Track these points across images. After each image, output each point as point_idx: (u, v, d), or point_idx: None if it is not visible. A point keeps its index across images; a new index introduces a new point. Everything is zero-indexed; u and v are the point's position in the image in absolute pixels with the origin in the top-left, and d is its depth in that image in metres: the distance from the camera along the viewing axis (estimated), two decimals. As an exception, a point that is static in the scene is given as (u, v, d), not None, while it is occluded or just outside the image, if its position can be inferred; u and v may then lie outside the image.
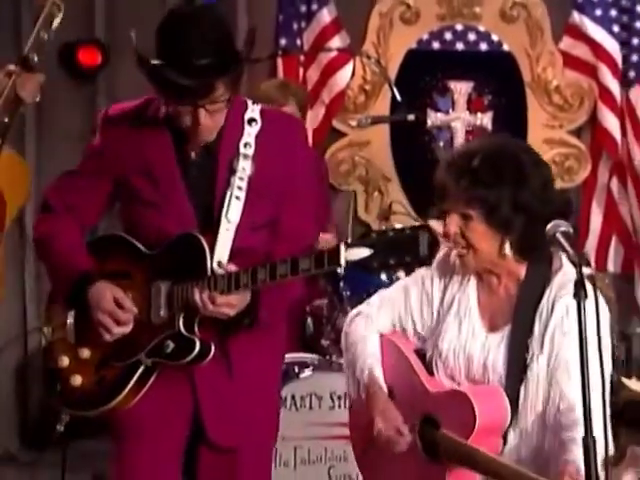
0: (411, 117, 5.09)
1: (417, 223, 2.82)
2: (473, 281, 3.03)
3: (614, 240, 6.23)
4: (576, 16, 6.16)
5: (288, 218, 3.08)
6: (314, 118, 5.80)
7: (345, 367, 3.17)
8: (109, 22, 6.20)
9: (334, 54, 6.11)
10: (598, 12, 6.10)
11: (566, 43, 6.21)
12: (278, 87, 5.06)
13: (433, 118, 6.04)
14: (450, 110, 6.21)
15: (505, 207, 2.87)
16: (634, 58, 6.11)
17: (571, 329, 2.84)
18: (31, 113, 6.33)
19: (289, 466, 4.45)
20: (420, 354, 3.10)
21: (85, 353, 3.07)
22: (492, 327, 2.99)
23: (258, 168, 3.01)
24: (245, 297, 2.95)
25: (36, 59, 3.31)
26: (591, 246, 6.16)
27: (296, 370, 4.57)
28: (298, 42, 6.13)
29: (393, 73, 6.12)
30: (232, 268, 2.93)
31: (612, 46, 6.09)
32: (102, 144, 3.11)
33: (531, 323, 2.92)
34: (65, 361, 3.10)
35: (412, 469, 2.99)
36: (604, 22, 6.09)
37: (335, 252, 2.77)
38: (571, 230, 2.75)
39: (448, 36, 6.26)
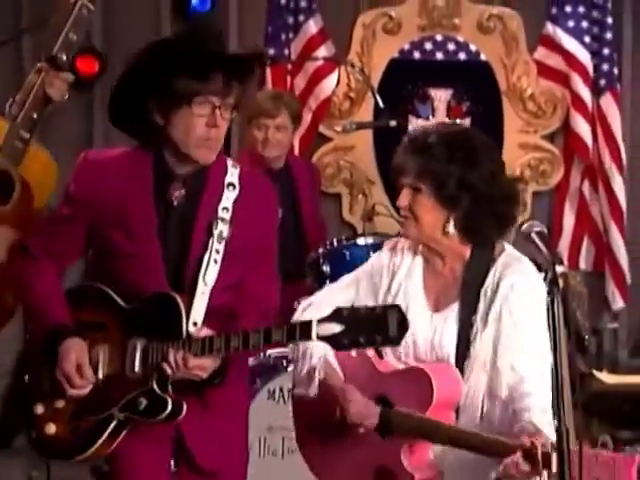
0: (393, 123, 5.11)
1: (387, 303, 2.80)
2: (419, 265, 3.06)
3: (586, 240, 6.25)
4: (550, 27, 6.18)
5: (254, 279, 3.05)
6: (301, 124, 5.80)
7: (296, 356, 3.14)
8: (106, 32, 6.20)
9: (320, 63, 6.12)
10: (571, 24, 6.12)
11: (540, 53, 6.23)
12: (271, 98, 5.06)
13: (414, 124, 6.04)
14: (430, 116, 6.22)
15: (453, 184, 2.92)
16: (605, 67, 6.13)
17: (516, 306, 2.90)
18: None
19: (277, 455, 4.46)
20: None
21: (60, 404, 3.01)
22: (438, 307, 3.02)
23: (234, 232, 2.98)
24: (217, 360, 2.92)
25: (64, 58, 3.30)
26: (564, 245, 6.18)
27: (284, 364, 4.58)
28: (286, 52, 6.14)
29: (376, 81, 6.13)
30: (207, 332, 2.90)
31: (584, 56, 6.11)
32: (79, 192, 3.01)
33: (476, 301, 2.96)
34: (40, 409, 3.04)
35: (364, 451, 2.99)
36: (576, 33, 6.11)
37: (307, 326, 2.74)
38: (545, 230, 2.79)
39: (428, 46, 6.27)
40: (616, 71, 6.14)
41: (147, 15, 6.20)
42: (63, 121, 6.06)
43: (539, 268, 2.91)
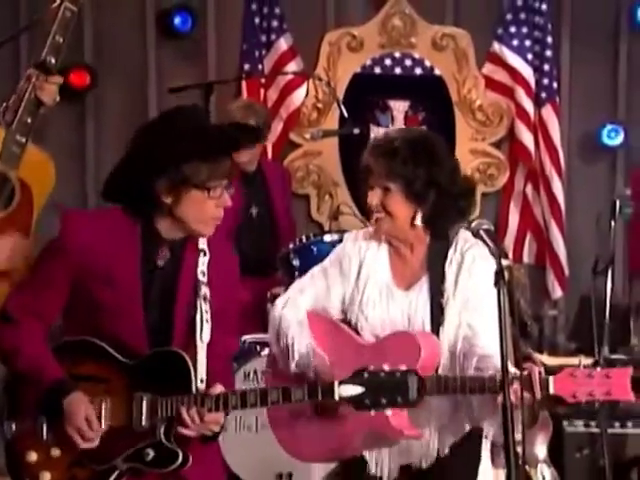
0: (356, 131, 5.12)
1: (404, 368, 2.74)
2: (385, 253, 3.08)
3: (529, 236, 6.28)
4: (496, 46, 6.20)
5: (223, 337, 2.94)
6: (273, 132, 5.79)
7: (280, 344, 3.09)
8: (97, 48, 6.16)
9: (290, 77, 6.11)
10: (515, 42, 6.14)
11: (488, 68, 6.25)
12: (241, 107, 5.06)
13: (375, 132, 6.04)
14: (390, 125, 6.22)
15: (420, 182, 2.96)
16: (545, 81, 6.14)
17: (477, 274, 2.98)
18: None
19: (251, 430, 4.46)
20: (345, 322, 3.12)
21: (57, 452, 2.83)
22: (408, 286, 3.04)
23: (212, 294, 2.90)
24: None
25: (53, 62, 3.12)
26: (509, 241, 6.20)
27: (258, 349, 4.58)
28: (259, 67, 6.12)
29: (341, 93, 6.12)
30: (220, 388, 2.81)
31: (527, 71, 6.13)
32: (63, 248, 2.83)
33: (442, 273, 3.00)
34: (33, 456, 2.83)
35: (349, 422, 2.97)
36: (520, 51, 6.14)
37: (329, 387, 2.71)
38: (492, 228, 2.81)
39: (388, 62, 6.27)
40: (555, 85, 6.17)
41: (134, 32, 6.16)
42: (55, 132, 6.01)
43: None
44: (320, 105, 6.24)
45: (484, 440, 3.11)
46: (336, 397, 2.68)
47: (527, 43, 6.14)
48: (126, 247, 2.85)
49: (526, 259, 6.27)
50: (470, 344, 2.94)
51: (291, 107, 6.15)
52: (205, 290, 2.88)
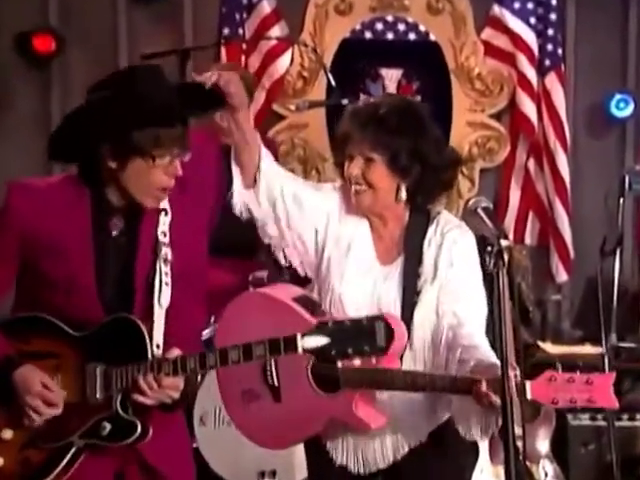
0: (345, 102, 5.08)
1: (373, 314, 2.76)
2: (366, 226, 3.08)
3: (531, 215, 6.29)
4: (496, 9, 6.19)
5: (184, 301, 2.95)
6: (255, 102, 5.76)
7: None
8: (62, 12, 6.13)
9: (274, 43, 6.08)
10: (517, 5, 6.13)
11: (487, 34, 6.24)
12: (224, 70, 5.03)
13: (365, 102, 6.04)
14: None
15: (405, 153, 2.97)
16: (549, 47, 6.14)
17: (459, 257, 3.00)
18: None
19: (231, 425, 4.44)
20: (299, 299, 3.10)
21: (8, 434, 2.85)
22: (386, 261, 3.06)
23: (173, 255, 2.91)
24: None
25: None
26: (510, 221, 6.21)
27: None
28: (240, 31, 6.10)
29: (328, 60, 6.11)
30: (177, 352, 2.82)
31: (529, 37, 6.12)
32: (15, 219, 2.85)
33: (420, 254, 3.01)
34: None
35: (308, 407, 2.99)
36: (522, 14, 6.13)
37: (292, 340, 2.70)
38: (491, 206, 2.82)
39: (379, 26, 6.25)
40: (560, 51, 6.16)
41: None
42: (19, 101, 5.99)
43: (485, 242, 2.94)
44: (306, 73, 6.22)
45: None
46: (299, 350, 2.68)
47: (529, 6, 6.12)
48: (75, 217, 2.86)
49: (528, 240, 6.28)
50: (454, 334, 2.95)
51: (274, 75, 6.12)
52: (166, 251, 2.89)
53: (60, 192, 2.88)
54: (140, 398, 2.80)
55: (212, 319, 4.70)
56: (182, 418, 3.09)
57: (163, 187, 2.85)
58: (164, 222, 2.92)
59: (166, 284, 2.89)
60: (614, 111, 6.16)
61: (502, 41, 6.18)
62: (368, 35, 6.27)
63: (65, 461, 2.83)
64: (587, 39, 6.24)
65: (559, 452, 4.73)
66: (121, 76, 2.87)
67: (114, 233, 2.90)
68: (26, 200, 2.86)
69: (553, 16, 6.13)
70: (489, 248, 2.74)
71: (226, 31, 6.06)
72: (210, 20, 6.10)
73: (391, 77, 6.28)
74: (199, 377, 3.88)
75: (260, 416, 3.06)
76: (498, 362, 2.67)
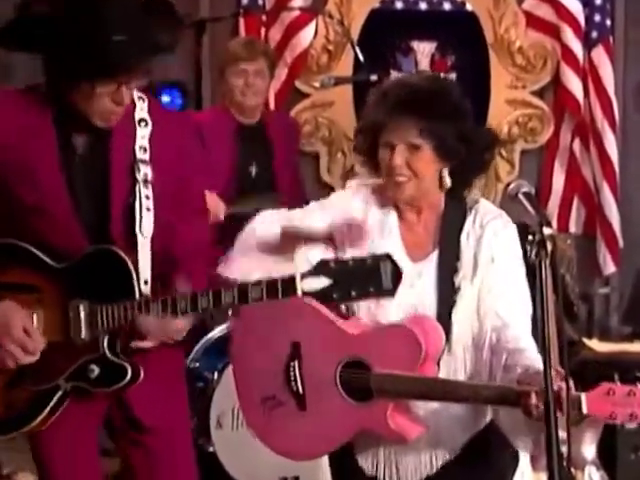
0: (374, 77, 5.09)
1: (378, 253, 2.70)
2: (395, 220, 3.07)
3: (576, 201, 6.27)
4: (540, -25, 6.17)
5: (187, 227, 2.94)
6: (276, 79, 5.77)
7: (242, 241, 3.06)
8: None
9: (296, 14, 6.08)
10: (561, -29, 6.12)
11: (529, 3, 6.22)
12: (245, 45, 5.06)
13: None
14: (413, 71, 6.18)
15: (452, 137, 2.96)
16: (597, 18, 6.12)
17: (500, 251, 2.98)
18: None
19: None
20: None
21: None
22: (417, 258, 3.03)
23: (156, 173, 2.84)
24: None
25: None
26: (553, 207, 6.20)
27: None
28: (260, 2, 6.10)
29: (356, 33, 6.11)
30: (187, 288, 2.80)
31: (575, 6, 6.10)
32: None
33: (457, 248, 3.00)
34: None
35: (336, 417, 2.98)
36: (567, -18, 6.11)
37: (290, 282, 2.65)
38: (533, 191, 2.81)
39: (411, -4, 6.26)
40: (609, 22, 6.14)
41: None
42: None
43: (526, 230, 2.93)
44: (331, 47, 6.22)
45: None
46: (298, 292, 2.64)
47: (576, -27, 6.11)
48: (39, 133, 2.79)
49: (573, 228, 6.27)
50: (498, 337, 2.93)
51: (297, 49, 6.12)
52: (145, 170, 2.83)
53: (23, 103, 2.81)
54: (139, 343, 2.80)
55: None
56: (179, 364, 3.09)
57: (111, 112, 2.76)
58: (143, 135, 2.85)
59: (147, 209, 2.83)
60: (667, 88, 6.14)
61: (545, 11, 6.16)
62: (399, 5, 6.26)
63: (51, 404, 2.83)
64: (638, 9, 6.21)
65: (607, 458, 4.71)
66: None
67: (79, 151, 2.83)
68: None
69: (601, -16, 6.11)
70: (531, 237, 2.73)
71: (245, 1, 6.07)
72: (227, -11, 6.12)
73: (424, 51, 6.27)
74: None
75: (283, 425, 3.04)
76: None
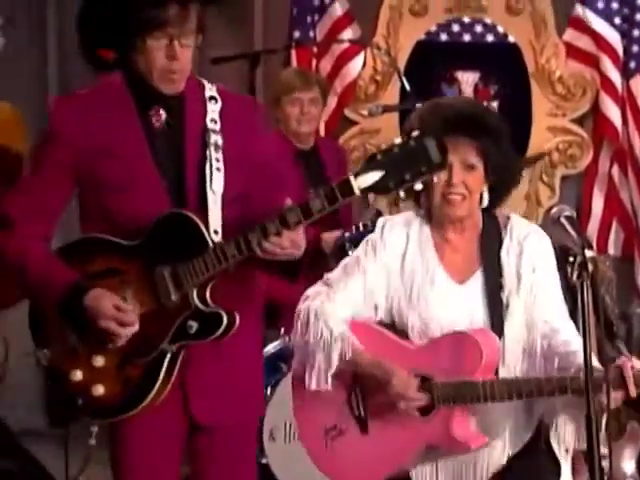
0: (419, 106, 5.08)
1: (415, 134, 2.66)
2: (431, 243, 3.07)
3: (614, 224, 6.23)
4: (579, 9, 6.13)
5: (260, 189, 2.96)
6: (327, 107, 5.78)
7: (306, 346, 3.06)
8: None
9: (346, 45, 6.10)
10: (600, 5, 6.07)
11: (569, 35, 6.19)
12: (299, 75, 5.09)
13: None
14: (458, 100, 6.19)
15: (499, 156, 3.00)
16: (635, 49, 6.08)
17: (541, 263, 3.01)
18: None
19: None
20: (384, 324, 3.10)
21: (99, 361, 2.88)
22: (462, 279, 3.03)
23: (227, 141, 2.90)
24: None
25: None
26: (592, 230, 6.16)
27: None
28: (311, 34, 6.13)
29: (402, 64, 6.11)
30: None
31: (613, 37, 6.07)
32: (56, 134, 2.89)
33: (499, 264, 3.00)
34: (78, 375, 2.89)
35: (399, 435, 2.97)
36: (606, 14, 6.06)
37: (346, 183, 2.65)
38: (574, 214, 2.81)
39: (455, 28, 6.24)
40: (646, 53, 6.10)
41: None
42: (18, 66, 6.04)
43: (568, 252, 2.92)
44: (379, 77, 6.22)
45: (564, 454, 3.09)
46: (356, 191, 2.63)
47: (614, 6, 6.06)
48: (121, 115, 2.88)
49: (612, 250, 6.21)
50: (549, 343, 2.94)
51: (346, 79, 6.14)
52: (216, 138, 2.89)
53: (101, 94, 2.90)
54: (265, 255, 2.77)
55: (282, 330, 4.73)
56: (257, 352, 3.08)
57: (168, 70, 2.83)
58: (213, 110, 2.92)
59: (217, 169, 2.88)
60: (703, 115, 6.08)
61: (585, 42, 6.13)
62: (444, 37, 6.26)
63: (164, 369, 2.85)
64: (675, 40, 6.16)
65: (646, 473, 4.67)
66: None
67: (157, 125, 2.90)
68: (68, 110, 2.89)
69: (639, 16, 6.06)
70: (572, 259, 2.72)
71: (297, 34, 6.10)
72: (280, 23, 6.14)
73: (467, 80, 6.26)
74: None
75: (346, 453, 3.03)
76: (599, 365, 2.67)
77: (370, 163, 2.64)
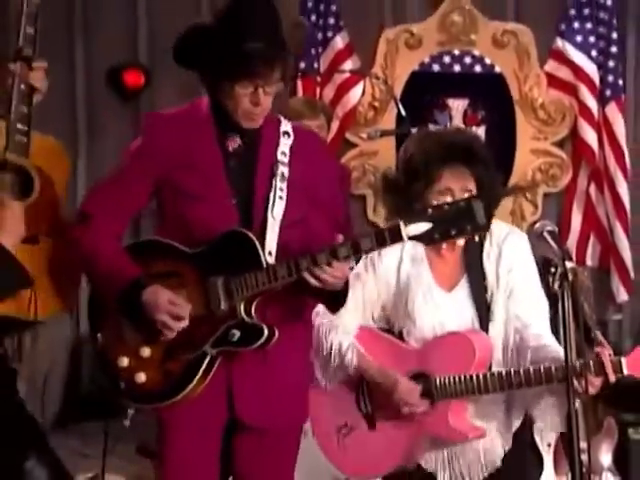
0: (414, 130, 5.10)
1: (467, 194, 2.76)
2: (423, 258, 3.08)
3: (592, 238, 6.23)
4: (559, 42, 6.16)
5: (316, 224, 2.97)
6: (329, 131, 5.79)
7: (320, 355, 3.09)
8: (150, 48, 6.23)
9: (347, 75, 6.13)
10: (579, 38, 6.11)
11: (550, 66, 6.21)
12: (307, 102, 5.09)
13: (430, 132, 6.03)
14: (448, 124, 6.20)
15: (489, 180, 3.00)
16: (610, 79, 6.10)
17: (516, 262, 3.00)
18: (83, 130, 6.37)
19: (307, 435, 4.43)
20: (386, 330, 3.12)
21: (146, 352, 2.92)
22: (450, 287, 3.05)
23: (293, 173, 2.94)
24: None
25: (31, 52, 3.26)
26: (572, 243, 6.16)
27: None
28: (315, 65, 6.15)
29: (398, 92, 6.13)
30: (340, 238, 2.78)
31: (590, 68, 6.09)
32: (146, 142, 2.97)
33: (481, 270, 3.02)
34: (125, 361, 2.94)
35: (402, 428, 2.98)
36: (584, 47, 6.10)
37: (396, 229, 2.66)
38: (555, 229, 2.81)
39: (447, 59, 6.27)
40: (620, 82, 6.12)
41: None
42: (111, 133, 6.08)
43: (550, 264, 2.92)
44: (377, 104, 6.25)
45: (546, 448, 3.09)
46: (405, 237, 2.64)
47: (591, 39, 6.09)
48: (203, 136, 2.93)
49: (589, 261, 6.22)
50: (521, 337, 2.95)
51: (347, 106, 6.17)
52: (283, 169, 2.93)
53: (189, 115, 2.96)
54: (312, 280, 2.77)
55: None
56: (304, 358, 3.05)
57: (251, 112, 2.87)
58: (285, 143, 2.96)
59: (280, 198, 2.91)
60: (673, 139, 6.10)
61: (564, 73, 6.16)
62: (436, 68, 6.28)
63: (202, 369, 2.87)
64: (647, 70, 6.19)
65: (621, 465, 4.65)
66: (234, 4, 2.86)
67: (231, 149, 2.93)
68: (160, 126, 2.96)
69: (614, 49, 6.09)
70: (553, 269, 2.72)
71: (302, 65, 6.10)
72: (287, 55, 6.15)
73: (457, 107, 6.27)
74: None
75: (357, 448, 3.05)
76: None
77: (421, 215, 2.65)
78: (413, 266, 3.07)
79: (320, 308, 3.11)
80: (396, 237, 2.67)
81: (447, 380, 2.92)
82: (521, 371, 2.86)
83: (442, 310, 3.02)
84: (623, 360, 2.74)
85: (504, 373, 2.88)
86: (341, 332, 3.06)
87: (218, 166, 2.92)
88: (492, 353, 2.95)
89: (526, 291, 2.99)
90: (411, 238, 2.64)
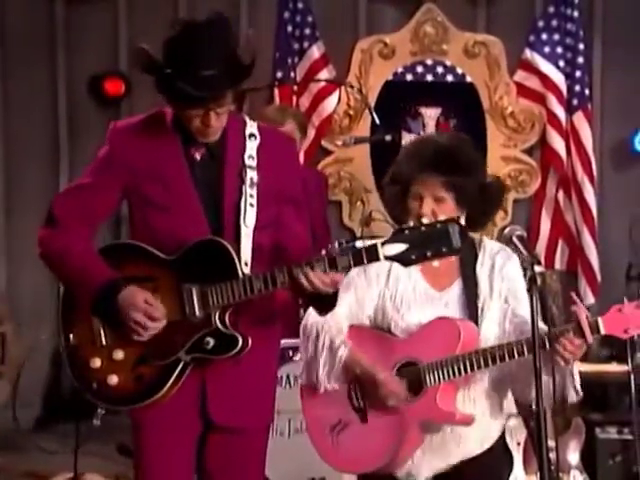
0: (388, 138, 5.10)
1: (444, 217, 2.72)
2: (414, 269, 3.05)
3: (560, 243, 6.25)
4: (528, 53, 6.18)
5: (288, 221, 2.96)
6: (306, 139, 5.79)
7: (312, 354, 3.04)
8: (131, 56, 6.19)
9: (322, 84, 6.11)
10: (547, 49, 6.12)
11: (519, 75, 6.23)
12: (278, 110, 5.08)
13: (407, 138, 6.04)
14: (421, 132, 6.21)
15: (473, 190, 2.96)
16: (577, 88, 6.12)
17: (508, 274, 2.99)
18: (65, 137, 6.34)
19: (284, 435, 4.45)
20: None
21: (119, 354, 2.88)
22: (441, 287, 3.03)
23: (262, 177, 2.89)
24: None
25: None
26: (541, 248, 6.18)
27: (290, 354, 4.57)
28: (292, 75, 6.14)
29: (373, 100, 6.13)
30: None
31: (558, 78, 6.11)
32: (112, 153, 2.89)
33: (474, 277, 2.99)
34: (97, 362, 2.90)
35: (394, 418, 2.95)
36: (552, 58, 6.12)
37: (373, 249, 2.65)
38: (525, 234, 2.81)
39: (419, 69, 6.27)
40: (587, 92, 6.13)
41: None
42: (92, 140, 6.03)
43: (520, 268, 2.92)
44: (352, 112, 6.25)
45: (516, 447, 3.08)
46: (381, 257, 2.63)
47: (559, 50, 6.11)
48: (167, 145, 2.88)
49: (557, 265, 6.24)
50: (510, 321, 2.94)
51: (323, 114, 6.15)
52: (251, 174, 2.88)
53: (153, 123, 2.91)
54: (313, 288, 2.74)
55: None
56: (272, 360, 3.04)
57: (204, 131, 2.82)
58: (252, 147, 2.91)
59: (251, 205, 2.87)
60: (638, 147, 6.12)
61: (533, 82, 6.17)
62: (409, 77, 6.29)
63: (174, 375, 2.84)
64: (612, 80, 6.22)
65: (588, 463, 4.67)
66: (192, 23, 2.78)
67: (197, 158, 2.89)
68: (124, 133, 2.90)
69: (580, 59, 6.11)
70: (523, 273, 2.72)
71: (279, 74, 6.10)
72: (264, 64, 6.12)
73: (430, 115, 6.28)
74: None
75: (350, 444, 3.00)
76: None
77: (398, 235, 2.64)
78: (404, 269, 3.06)
79: (310, 309, 3.08)
80: (373, 257, 2.65)
81: (434, 364, 2.87)
82: (503, 344, 2.83)
83: (431, 305, 2.99)
84: (600, 320, 2.73)
85: (487, 348, 2.85)
86: (334, 332, 3.02)
87: (184, 176, 2.87)
88: (478, 340, 2.91)
89: (520, 297, 2.97)
90: (387, 258, 2.63)
